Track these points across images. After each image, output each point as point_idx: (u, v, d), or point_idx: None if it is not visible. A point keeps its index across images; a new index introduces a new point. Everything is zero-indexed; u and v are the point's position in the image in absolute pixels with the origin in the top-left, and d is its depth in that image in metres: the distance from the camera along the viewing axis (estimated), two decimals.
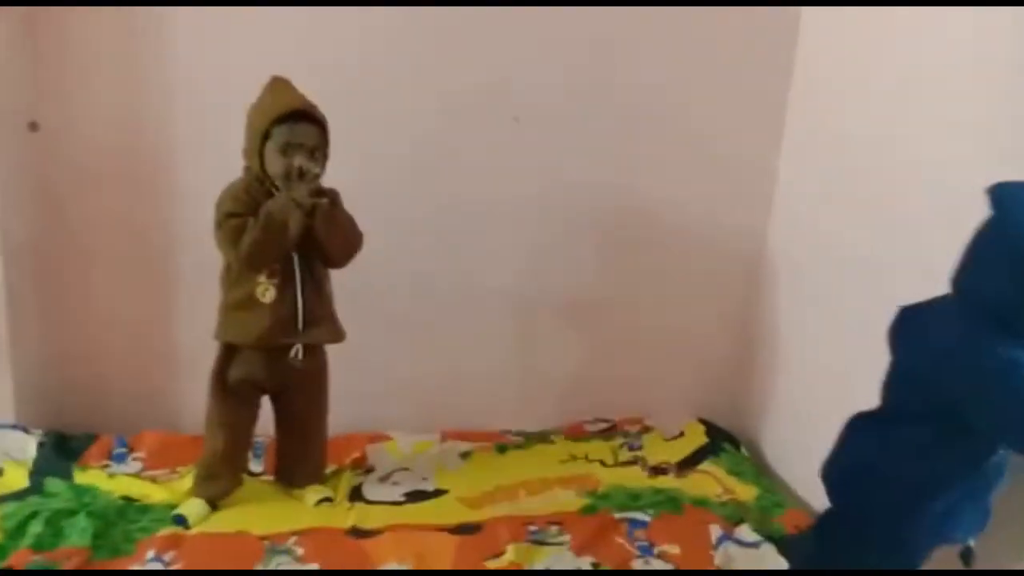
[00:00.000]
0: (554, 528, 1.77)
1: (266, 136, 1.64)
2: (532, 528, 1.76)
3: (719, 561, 1.68)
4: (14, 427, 1.97)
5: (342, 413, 1.96)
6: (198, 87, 2.00)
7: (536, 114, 2.12)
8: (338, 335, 1.80)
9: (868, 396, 1.27)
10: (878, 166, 1.80)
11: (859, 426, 1.31)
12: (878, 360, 1.25)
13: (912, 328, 1.24)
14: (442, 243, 2.18)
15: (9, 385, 1.98)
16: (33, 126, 2.02)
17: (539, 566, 1.64)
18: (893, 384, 1.26)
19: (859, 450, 1.30)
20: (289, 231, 1.63)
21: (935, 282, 1.18)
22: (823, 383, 1.97)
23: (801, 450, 2.05)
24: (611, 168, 2.18)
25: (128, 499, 1.79)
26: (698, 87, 2.16)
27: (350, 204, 1.74)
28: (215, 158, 1.74)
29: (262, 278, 1.68)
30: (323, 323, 1.76)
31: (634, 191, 2.21)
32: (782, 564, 1.65)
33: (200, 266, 1.76)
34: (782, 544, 1.71)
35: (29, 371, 2.05)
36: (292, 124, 1.64)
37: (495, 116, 2.11)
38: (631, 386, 2.33)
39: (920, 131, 1.67)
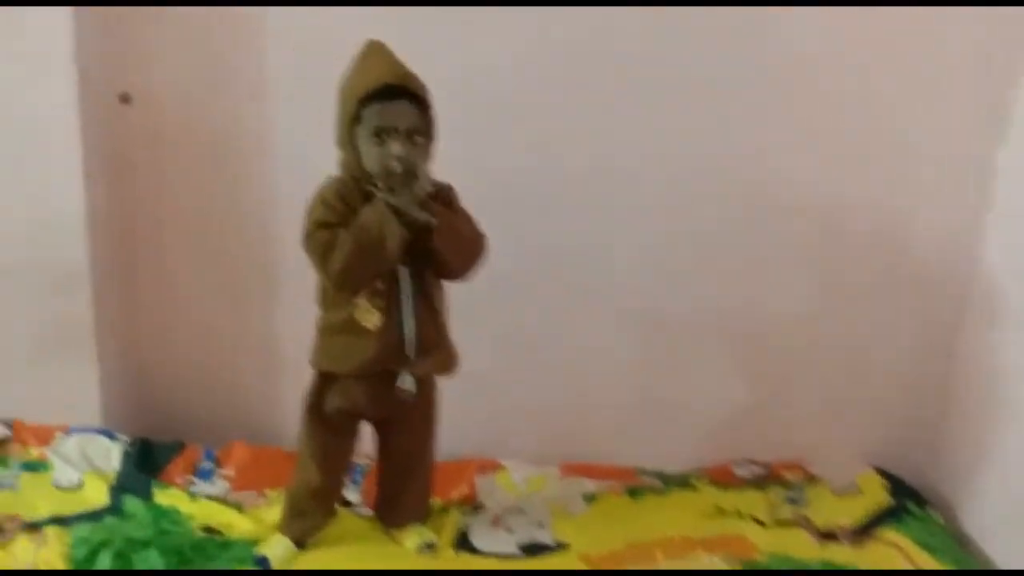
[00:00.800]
0: None
1: (357, 119, 1.34)
2: None
3: None
4: (100, 432, 1.81)
5: (450, 438, 1.69)
6: (301, 54, 1.73)
7: (681, 78, 1.74)
8: (451, 364, 1.50)
9: None
10: None
11: None
12: None
13: None
14: (567, 244, 1.84)
15: (96, 386, 1.83)
16: (124, 98, 1.82)
17: None
18: None
19: None
20: (387, 247, 1.33)
21: None
22: None
23: (1018, 521, 1.62)
24: (777, 154, 1.77)
25: (209, 529, 1.59)
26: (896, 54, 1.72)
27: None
28: (318, 137, 1.44)
29: (362, 300, 1.39)
30: (436, 350, 1.47)
31: (806, 186, 1.80)
32: None
33: (303, 259, 1.50)
34: None
35: (117, 370, 1.89)
36: (384, 102, 1.31)
37: (627, 79, 1.74)
38: (788, 421, 1.94)
39: None
